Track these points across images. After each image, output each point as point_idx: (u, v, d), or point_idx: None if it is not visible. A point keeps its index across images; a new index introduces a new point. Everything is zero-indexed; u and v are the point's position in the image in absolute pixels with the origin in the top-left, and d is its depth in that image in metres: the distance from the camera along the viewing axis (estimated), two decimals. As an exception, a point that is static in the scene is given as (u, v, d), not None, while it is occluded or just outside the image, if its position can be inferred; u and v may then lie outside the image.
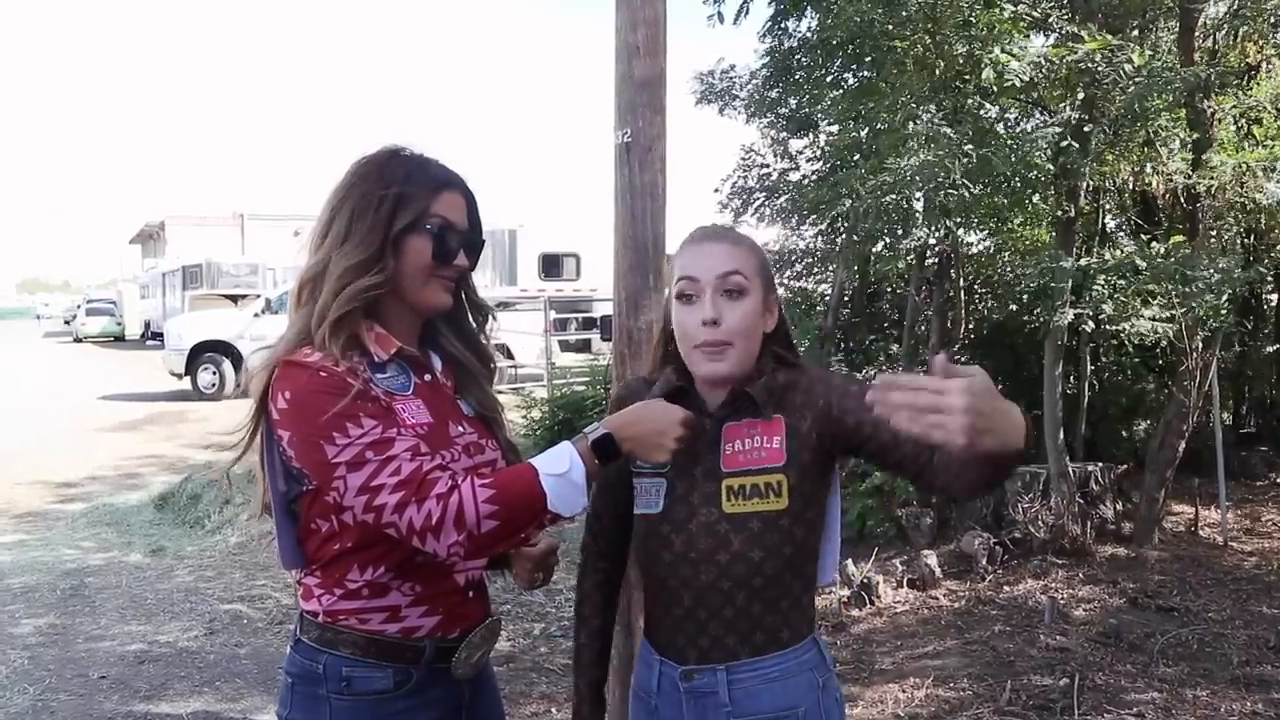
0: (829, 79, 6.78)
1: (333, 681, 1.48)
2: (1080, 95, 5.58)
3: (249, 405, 1.50)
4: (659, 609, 1.57)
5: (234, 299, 20.33)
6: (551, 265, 17.35)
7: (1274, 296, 8.29)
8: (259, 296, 18.24)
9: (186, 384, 14.91)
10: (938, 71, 5.76)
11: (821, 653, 1.55)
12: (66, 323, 40.83)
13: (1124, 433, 7.77)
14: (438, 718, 1.54)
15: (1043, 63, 5.37)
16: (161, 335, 18.35)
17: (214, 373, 14.82)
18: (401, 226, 1.49)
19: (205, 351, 14.87)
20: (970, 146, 5.31)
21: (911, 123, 5.42)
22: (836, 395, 1.48)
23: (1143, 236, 6.82)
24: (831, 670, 1.57)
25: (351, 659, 1.47)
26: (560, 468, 1.41)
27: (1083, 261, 5.76)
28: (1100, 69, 5.31)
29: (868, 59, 6.16)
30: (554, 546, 1.72)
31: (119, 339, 32.59)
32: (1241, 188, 5.71)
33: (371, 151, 1.57)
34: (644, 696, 1.60)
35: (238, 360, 14.43)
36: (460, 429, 1.56)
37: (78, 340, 32.60)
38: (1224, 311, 5.66)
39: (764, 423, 1.51)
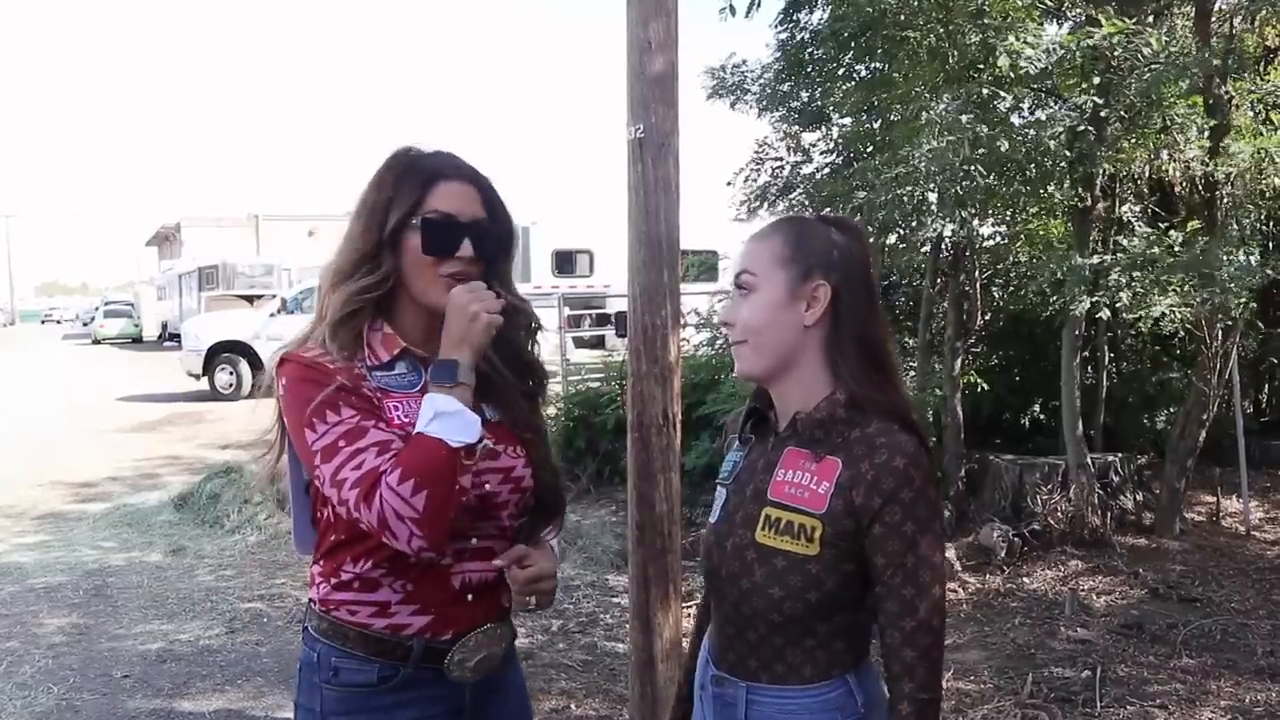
0: (841, 71, 6.73)
1: (324, 670, 1.51)
2: (1095, 82, 5.53)
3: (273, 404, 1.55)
4: (715, 613, 1.53)
5: (250, 299, 20.46)
6: (565, 262, 17.30)
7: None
8: (275, 296, 18.34)
9: (204, 384, 15.06)
10: (951, 61, 5.72)
11: (851, 694, 1.42)
12: (85, 324, 41.20)
13: (1144, 422, 7.70)
14: (430, 717, 1.53)
15: (1057, 50, 5.32)
16: (179, 336, 18.48)
17: (231, 373, 14.96)
18: (394, 225, 1.50)
19: (222, 352, 15.02)
20: (985, 134, 5.27)
21: (925, 113, 5.37)
22: (882, 528, 1.34)
23: (1160, 225, 6.76)
24: (861, 712, 1.42)
25: (340, 650, 1.50)
26: (430, 414, 1.40)
27: (1094, 259, 5.70)
28: (1115, 55, 5.26)
29: (880, 50, 6.11)
30: (546, 572, 1.57)
31: (136, 340, 32.90)
32: (1260, 174, 5.65)
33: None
34: (699, 691, 1.56)
35: (254, 360, 14.50)
36: None
37: (96, 342, 32.94)
38: (1243, 300, 5.61)
39: (820, 460, 1.39)
